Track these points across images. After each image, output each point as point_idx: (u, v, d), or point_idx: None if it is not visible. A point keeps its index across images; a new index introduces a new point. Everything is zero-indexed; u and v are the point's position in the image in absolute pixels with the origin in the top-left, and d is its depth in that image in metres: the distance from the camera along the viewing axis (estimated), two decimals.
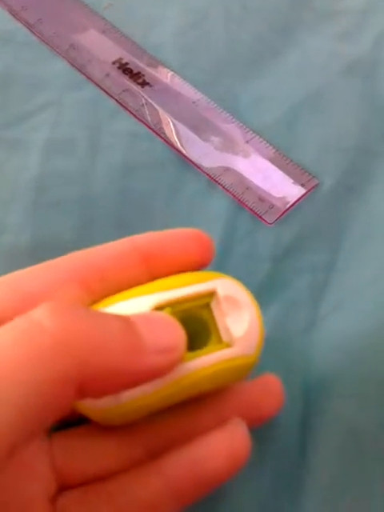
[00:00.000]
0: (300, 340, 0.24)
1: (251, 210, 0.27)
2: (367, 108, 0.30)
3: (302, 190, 0.28)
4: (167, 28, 0.33)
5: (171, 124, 0.30)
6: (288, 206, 0.27)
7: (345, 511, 0.21)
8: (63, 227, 0.26)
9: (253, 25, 0.33)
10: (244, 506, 0.21)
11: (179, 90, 0.31)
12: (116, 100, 0.30)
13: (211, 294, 0.18)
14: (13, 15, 0.34)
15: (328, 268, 0.26)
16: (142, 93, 0.31)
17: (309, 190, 0.28)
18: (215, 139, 0.29)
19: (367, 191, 0.28)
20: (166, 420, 0.19)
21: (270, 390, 0.20)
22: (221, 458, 0.17)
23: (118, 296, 0.18)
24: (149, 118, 0.30)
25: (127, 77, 0.31)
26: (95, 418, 0.18)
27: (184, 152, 0.29)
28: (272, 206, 0.27)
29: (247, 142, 0.29)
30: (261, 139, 0.29)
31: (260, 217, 0.27)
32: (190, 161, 0.28)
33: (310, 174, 0.28)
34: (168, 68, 0.32)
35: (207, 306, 0.18)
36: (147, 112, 0.30)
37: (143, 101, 0.30)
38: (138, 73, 0.32)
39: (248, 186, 0.28)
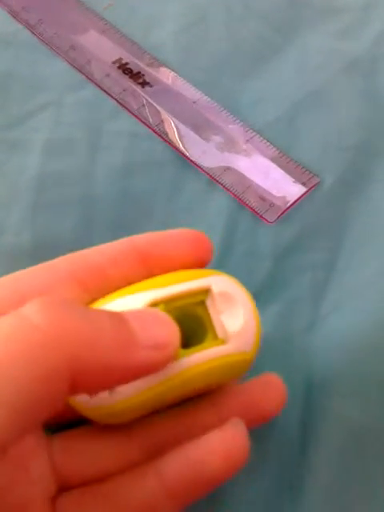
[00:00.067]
0: (300, 339, 0.24)
1: (252, 209, 0.27)
2: (368, 106, 0.30)
3: (303, 189, 0.28)
4: (167, 28, 0.33)
5: (172, 124, 0.30)
6: (288, 204, 0.27)
7: (346, 510, 0.21)
8: (63, 227, 0.26)
9: (253, 23, 0.33)
10: (244, 506, 0.21)
11: (179, 90, 0.31)
12: (116, 100, 0.30)
13: (206, 291, 0.18)
14: (13, 16, 0.34)
15: (329, 267, 0.26)
16: (142, 93, 0.31)
17: (309, 189, 0.28)
18: (216, 138, 0.29)
19: (368, 189, 0.28)
20: (166, 420, 0.19)
21: (271, 388, 0.20)
22: (218, 458, 0.17)
23: (113, 294, 0.18)
24: (149, 118, 0.30)
25: (127, 77, 0.31)
26: (92, 417, 0.18)
27: (185, 152, 0.29)
28: (272, 205, 0.27)
29: (248, 141, 0.29)
30: (261, 138, 0.29)
31: (261, 216, 0.27)
32: (191, 160, 0.28)
33: (310, 172, 0.28)
34: (168, 68, 0.32)
35: (202, 303, 0.18)
36: (148, 112, 0.30)
37: (143, 101, 0.30)
38: (138, 73, 0.32)
39: (249, 185, 0.28)
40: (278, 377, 0.20)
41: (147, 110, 0.30)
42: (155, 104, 0.30)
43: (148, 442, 0.19)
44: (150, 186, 0.28)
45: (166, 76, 0.32)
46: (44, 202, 0.27)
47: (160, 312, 0.16)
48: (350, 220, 0.27)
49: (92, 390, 0.15)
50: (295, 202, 0.27)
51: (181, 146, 0.29)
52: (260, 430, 0.20)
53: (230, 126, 0.30)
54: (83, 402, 0.17)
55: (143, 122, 0.30)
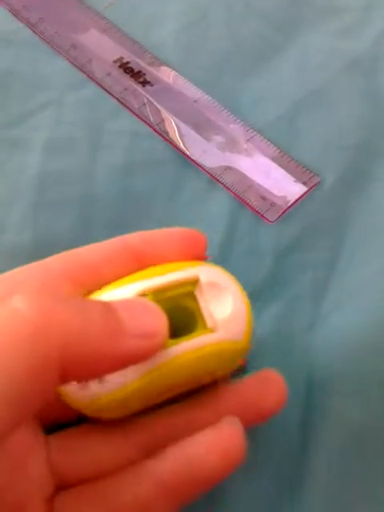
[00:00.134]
0: (301, 338, 0.24)
1: (253, 208, 0.27)
2: (369, 105, 0.30)
3: (304, 188, 0.28)
4: (168, 27, 0.33)
5: (173, 123, 0.30)
6: (289, 204, 0.27)
7: (346, 510, 0.21)
8: (64, 226, 0.26)
9: (254, 22, 0.33)
10: (244, 505, 0.21)
11: (180, 89, 0.31)
12: (117, 99, 0.30)
13: (195, 282, 0.18)
14: (14, 15, 0.34)
15: (329, 266, 0.26)
16: (142, 92, 0.31)
17: (310, 188, 0.28)
18: (217, 138, 0.29)
19: (369, 189, 0.28)
20: (163, 418, 0.19)
21: (271, 385, 0.20)
22: (214, 456, 0.17)
23: (103, 289, 0.18)
24: (150, 117, 0.30)
25: (128, 76, 0.31)
26: (85, 411, 0.18)
27: (185, 151, 0.29)
28: (273, 205, 0.27)
29: (248, 140, 0.29)
30: (262, 137, 0.29)
31: (261, 215, 0.27)
32: (191, 160, 0.28)
33: (311, 171, 0.28)
34: (169, 67, 0.32)
35: (192, 294, 0.18)
36: (148, 111, 0.30)
37: (144, 100, 0.30)
38: (139, 72, 0.32)
39: (249, 185, 0.28)
40: (278, 373, 0.20)
41: (148, 109, 0.30)
42: (156, 103, 0.30)
43: (145, 439, 0.19)
44: (151, 185, 0.28)
45: (167, 75, 0.31)
46: (45, 201, 0.27)
47: (148, 301, 0.17)
48: (350, 219, 0.27)
49: (81, 378, 0.16)
50: (296, 201, 0.27)
51: (181, 145, 0.29)
52: (260, 429, 0.20)
53: (231, 126, 0.30)
54: (75, 395, 0.17)
55: (144, 121, 0.30)
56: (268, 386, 0.20)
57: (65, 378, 0.14)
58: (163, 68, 0.32)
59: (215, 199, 0.28)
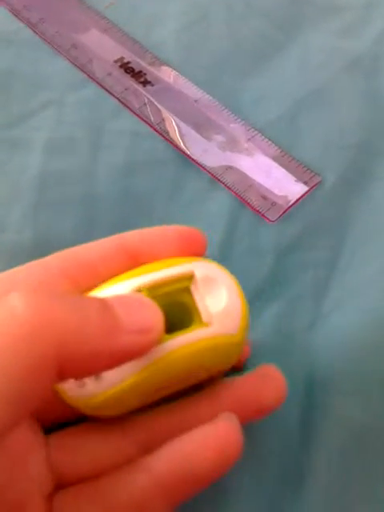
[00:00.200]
0: (302, 337, 0.24)
1: (253, 208, 0.27)
2: (369, 104, 0.30)
3: (305, 188, 0.28)
4: (169, 26, 0.33)
5: (174, 123, 0.30)
6: (290, 203, 0.27)
7: (346, 510, 0.21)
8: (65, 226, 0.26)
9: (254, 21, 0.33)
10: (244, 505, 0.21)
11: (181, 89, 0.31)
12: (118, 99, 0.30)
13: (190, 278, 0.18)
14: (15, 15, 0.34)
15: (330, 265, 0.26)
16: (143, 92, 0.31)
17: (311, 188, 0.28)
18: (217, 137, 0.29)
19: (369, 188, 0.28)
20: (161, 415, 0.19)
21: (270, 381, 0.20)
22: (209, 454, 0.17)
23: (100, 286, 0.18)
24: (151, 117, 0.30)
25: (129, 76, 0.31)
26: (84, 410, 0.18)
27: (186, 150, 0.29)
28: (274, 204, 0.27)
29: (249, 139, 0.29)
30: (263, 137, 0.29)
31: (262, 215, 0.27)
32: (192, 159, 0.28)
33: (312, 171, 0.28)
34: (170, 66, 0.32)
35: (187, 290, 0.18)
36: (149, 111, 0.30)
37: (145, 100, 0.30)
38: (140, 72, 0.32)
39: (250, 184, 0.28)
40: (276, 368, 0.20)
41: (149, 109, 0.30)
42: (157, 103, 0.30)
43: (144, 437, 0.19)
44: (152, 184, 0.28)
45: (168, 75, 0.31)
46: (45, 201, 0.27)
47: (144, 297, 0.17)
48: (351, 218, 0.27)
49: (79, 376, 0.16)
50: (297, 200, 0.27)
51: (182, 144, 0.29)
52: (260, 429, 0.20)
53: (232, 125, 0.30)
54: (72, 392, 0.17)
55: (145, 121, 0.30)
56: (267, 382, 0.20)
57: (62, 376, 0.14)
58: (164, 68, 0.32)
59: (216, 199, 0.28)
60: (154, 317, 0.16)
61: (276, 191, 0.28)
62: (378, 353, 0.23)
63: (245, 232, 0.27)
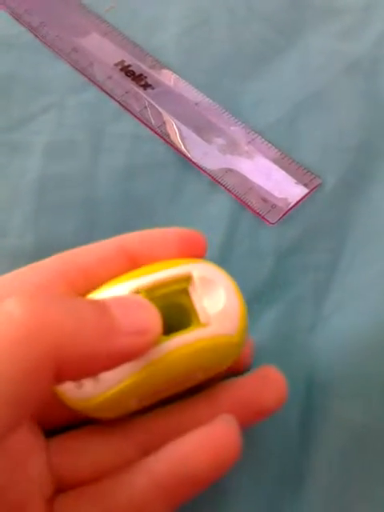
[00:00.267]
0: (302, 340, 0.24)
1: (254, 210, 0.27)
2: (369, 107, 0.30)
3: (305, 190, 0.28)
4: (169, 30, 0.33)
5: (174, 126, 0.30)
6: (290, 206, 0.27)
7: (346, 510, 0.21)
8: (66, 229, 0.26)
9: (255, 25, 0.33)
10: (244, 506, 0.21)
11: (181, 92, 0.31)
12: (118, 102, 0.31)
13: (188, 279, 0.18)
14: (16, 18, 0.34)
15: (331, 268, 0.26)
16: (144, 95, 0.31)
17: (311, 190, 0.28)
18: (218, 140, 0.29)
19: (369, 190, 0.28)
20: (161, 418, 0.19)
21: (270, 382, 0.20)
22: (206, 455, 0.17)
23: (99, 288, 0.18)
24: (151, 120, 0.30)
25: (129, 79, 0.31)
26: (84, 411, 0.18)
27: (186, 153, 0.29)
28: (274, 207, 0.27)
29: (249, 142, 0.29)
30: (263, 140, 0.29)
31: (262, 217, 0.27)
32: (193, 162, 0.28)
33: (312, 173, 0.28)
34: (170, 70, 0.32)
35: (185, 291, 0.18)
36: (150, 114, 0.30)
37: (146, 103, 0.31)
38: (141, 75, 0.32)
39: (250, 187, 0.28)
40: (276, 369, 0.20)
41: (149, 112, 0.30)
42: (157, 106, 0.30)
43: (145, 439, 0.19)
44: (152, 187, 0.28)
45: (168, 78, 0.32)
46: (46, 205, 0.27)
47: (141, 298, 0.17)
48: (351, 221, 0.27)
49: (76, 378, 0.16)
50: (297, 203, 0.27)
51: (183, 147, 0.29)
52: (260, 430, 0.20)
53: (232, 128, 0.30)
54: (71, 394, 0.17)
55: (145, 124, 0.30)
56: (267, 384, 0.19)
57: (60, 378, 0.14)
58: (164, 71, 0.32)
59: (216, 201, 0.28)
60: (152, 318, 0.16)
61: (276, 194, 0.28)
62: (379, 355, 0.23)
63: (245, 234, 0.27)
